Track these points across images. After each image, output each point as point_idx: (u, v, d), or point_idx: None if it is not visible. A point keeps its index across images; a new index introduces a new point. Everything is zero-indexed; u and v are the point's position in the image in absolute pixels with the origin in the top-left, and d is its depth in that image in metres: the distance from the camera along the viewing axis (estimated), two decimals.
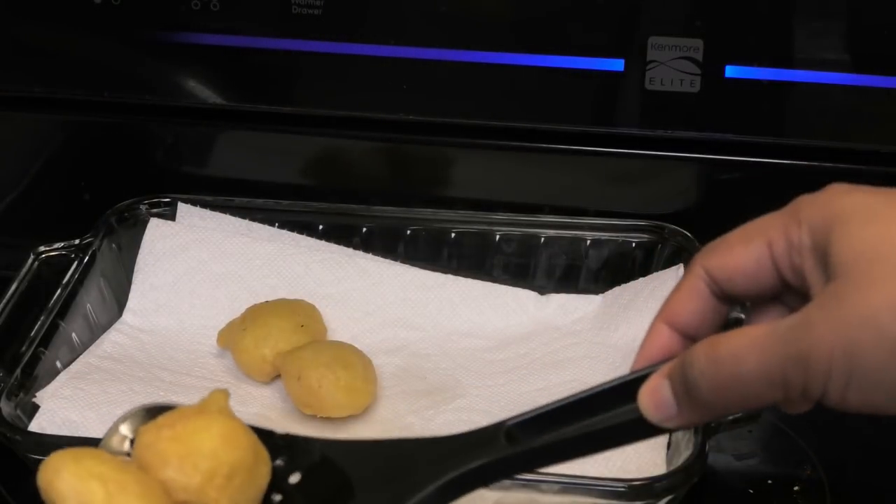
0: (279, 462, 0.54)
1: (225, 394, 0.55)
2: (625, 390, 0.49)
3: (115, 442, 0.55)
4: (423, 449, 0.53)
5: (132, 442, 0.54)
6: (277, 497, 0.53)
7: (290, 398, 0.76)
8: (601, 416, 0.49)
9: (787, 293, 0.50)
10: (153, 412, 0.55)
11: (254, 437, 0.53)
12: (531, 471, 0.54)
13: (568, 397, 0.50)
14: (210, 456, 0.51)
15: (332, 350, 0.77)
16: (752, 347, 0.46)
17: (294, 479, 0.54)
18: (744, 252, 0.49)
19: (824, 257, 0.46)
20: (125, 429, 0.56)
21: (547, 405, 0.50)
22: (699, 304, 0.51)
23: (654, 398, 0.49)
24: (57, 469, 0.49)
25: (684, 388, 0.47)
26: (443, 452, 0.51)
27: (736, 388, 0.46)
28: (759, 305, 0.51)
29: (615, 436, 0.50)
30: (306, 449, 0.55)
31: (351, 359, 0.76)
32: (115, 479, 0.49)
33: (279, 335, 0.78)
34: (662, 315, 0.52)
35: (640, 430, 0.49)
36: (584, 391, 0.49)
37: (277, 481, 0.54)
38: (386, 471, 0.52)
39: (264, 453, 0.54)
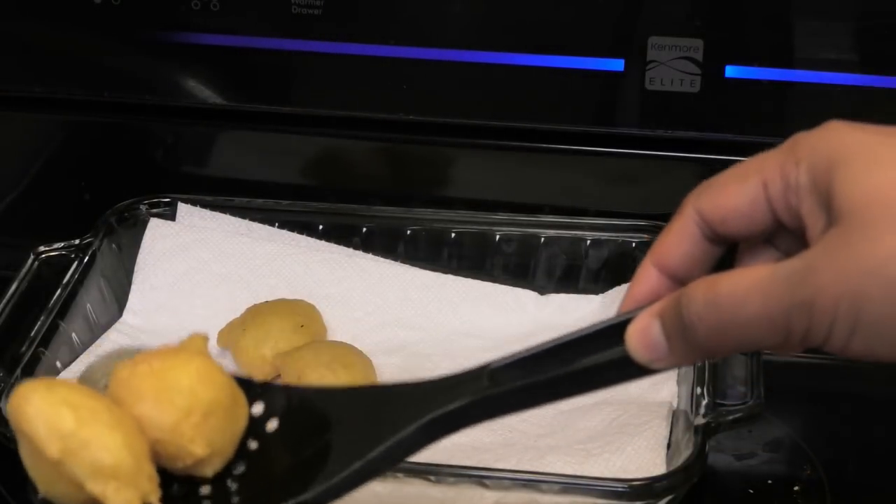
0: (256, 409, 0.52)
1: (204, 337, 0.53)
2: (612, 332, 0.48)
3: (90, 381, 0.53)
4: (403, 392, 0.51)
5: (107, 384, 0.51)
6: (254, 444, 0.52)
7: None
8: (587, 357, 0.48)
9: (780, 235, 0.48)
10: (130, 353, 0.53)
11: (231, 381, 0.51)
12: (514, 411, 0.51)
13: (553, 339, 0.49)
14: (187, 393, 0.49)
15: (332, 350, 0.77)
16: (754, 291, 0.44)
17: (271, 425, 0.52)
18: (738, 191, 0.47)
19: (826, 199, 0.44)
20: (100, 368, 0.54)
21: (531, 347, 0.49)
22: (689, 246, 0.49)
23: (643, 338, 0.47)
24: (26, 395, 0.47)
25: (678, 329, 0.46)
26: (424, 394, 0.50)
27: (735, 331, 0.44)
28: (749, 247, 0.50)
29: (600, 376, 0.48)
30: (284, 396, 0.53)
31: (351, 359, 0.76)
32: (87, 407, 0.47)
33: (279, 335, 0.78)
34: (651, 257, 0.50)
35: (625, 370, 0.47)
36: (570, 333, 0.48)
37: (254, 428, 0.52)
38: (365, 413, 0.51)
39: (242, 398, 0.52)
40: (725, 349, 0.46)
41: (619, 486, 0.63)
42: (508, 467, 0.67)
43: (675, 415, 0.71)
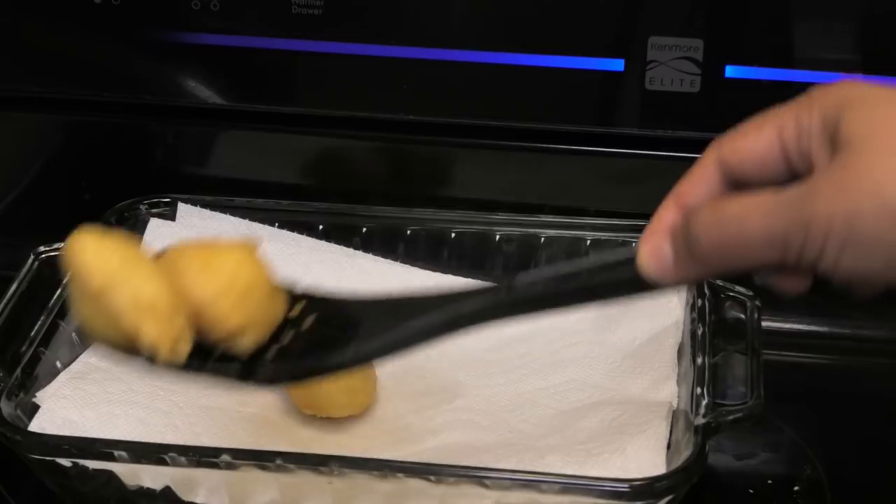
0: (295, 310, 0.59)
1: (256, 241, 0.59)
2: (626, 256, 0.53)
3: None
4: (429, 296, 0.58)
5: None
6: (288, 335, 0.58)
7: (291, 398, 0.76)
8: (602, 275, 0.54)
9: (793, 182, 0.50)
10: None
11: (271, 276, 0.57)
12: (525, 313, 0.57)
13: (571, 262, 0.57)
14: (228, 272, 0.55)
15: None
16: (757, 209, 0.48)
17: (307, 323, 0.59)
18: (755, 137, 0.52)
19: (833, 136, 0.48)
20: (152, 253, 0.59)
21: (549, 268, 0.56)
22: (708, 188, 0.53)
23: (653, 254, 0.52)
24: (80, 236, 0.54)
25: (685, 244, 0.51)
26: (448, 297, 0.57)
27: (737, 246, 0.49)
28: None
29: (613, 291, 0.54)
30: (322, 301, 0.60)
31: None
32: (132, 254, 0.54)
33: None
34: (673, 196, 0.54)
35: (636, 286, 0.52)
36: (588, 258, 0.56)
37: (291, 325, 0.58)
38: (393, 311, 0.58)
39: (281, 294, 0.58)
40: (727, 264, 0.50)
41: (619, 486, 0.63)
42: (508, 467, 0.67)
43: (675, 415, 0.71)
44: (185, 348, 0.54)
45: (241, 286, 0.56)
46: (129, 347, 0.54)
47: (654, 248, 0.52)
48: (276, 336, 0.58)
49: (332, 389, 0.73)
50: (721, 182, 0.53)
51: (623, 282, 0.53)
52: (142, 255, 0.55)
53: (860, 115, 0.48)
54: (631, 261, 0.53)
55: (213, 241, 0.58)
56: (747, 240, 0.49)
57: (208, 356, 0.57)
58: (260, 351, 0.58)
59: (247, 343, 0.57)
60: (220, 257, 0.57)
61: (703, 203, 0.52)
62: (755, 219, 0.48)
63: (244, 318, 0.56)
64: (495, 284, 0.58)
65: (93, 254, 0.53)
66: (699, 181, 0.54)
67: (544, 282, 0.56)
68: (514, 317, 0.57)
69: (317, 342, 0.58)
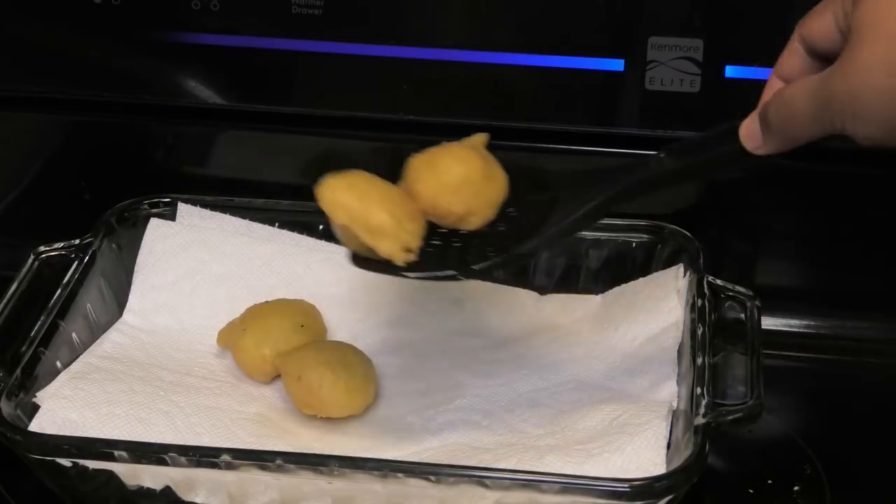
0: (523, 186, 0.71)
1: (483, 136, 0.73)
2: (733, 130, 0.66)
3: None
4: (610, 169, 0.70)
5: None
6: (511, 210, 0.71)
7: (291, 398, 0.76)
8: (719, 148, 0.66)
9: None
10: None
11: (487, 162, 0.71)
12: (674, 184, 0.70)
13: (692, 137, 0.69)
14: (444, 171, 0.70)
15: (332, 350, 0.77)
16: (800, 92, 0.61)
17: (531, 197, 0.71)
18: (819, 17, 0.62)
19: (848, 23, 0.59)
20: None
21: (680, 142, 0.69)
22: (798, 59, 0.64)
23: (747, 130, 0.64)
24: (327, 182, 0.68)
25: (764, 122, 0.63)
26: (624, 168, 0.70)
27: (793, 122, 0.61)
28: None
29: (729, 162, 0.67)
30: (538, 177, 0.72)
31: (351, 359, 0.76)
32: (365, 190, 0.69)
33: (279, 335, 0.78)
34: (775, 70, 0.65)
35: (743, 159, 0.65)
36: (705, 133, 0.67)
37: (515, 199, 0.71)
38: (584, 182, 0.70)
39: (498, 177, 0.71)
40: (793, 135, 0.62)
41: (619, 486, 0.63)
42: (508, 467, 0.67)
43: (675, 415, 0.71)
44: (414, 248, 0.69)
45: (455, 181, 0.70)
46: (377, 256, 0.69)
47: (749, 123, 0.64)
48: (503, 211, 0.71)
49: (333, 389, 0.73)
50: (805, 54, 0.64)
51: (733, 152, 0.65)
52: (370, 187, 0.69)
53: (864, 5, 0.58)
54: (735, 134, 0.65)
55: (443, 145, 0.72)
56: (798, 117, 0.61)
57: (446, 246, 0.71)
58: (491, 225, 0.71)
59: (476, 223, 0.71)
60: (437, 161, 0.71)
61: (794, 74, 0.64)
62: (799, 100, 0.61)
63: (464, 207, 0.70)
64: (651, 158, 0.69)
65: (333, 195, 0.68)
66: (791, 55, 0.64)
67: (679, 153, 0.68)
68: (668, 186, 0.70)
69: (530, 218, 0.70)
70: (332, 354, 0.76)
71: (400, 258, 0.68)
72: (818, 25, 0.62)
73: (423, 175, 0.70)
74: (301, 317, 0.80)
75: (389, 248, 0.68)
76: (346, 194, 0.69)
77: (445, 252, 0.70)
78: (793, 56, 0.64)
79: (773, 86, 0.65)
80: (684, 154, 0.68)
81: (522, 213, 0.71)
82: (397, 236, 0.68)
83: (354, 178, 0.70)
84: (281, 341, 0.78)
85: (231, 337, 0.79)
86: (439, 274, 0.69)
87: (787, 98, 0.62)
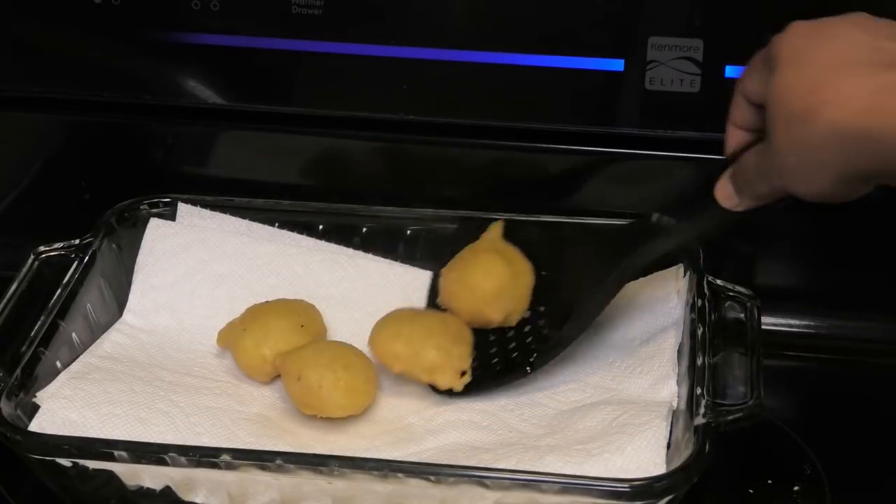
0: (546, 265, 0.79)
1: (498, 227, 0.82)
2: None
3: None
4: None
5: None
6: (542, 308, 0.78)
7: (290, 398, 0.76)
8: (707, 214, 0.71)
9: None
10: None
11: (512, 262, 0.79)
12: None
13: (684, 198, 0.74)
14: (478, 287, 0.78)
15: (332, 350, 0.77)
16: (749, 162, 0.66)
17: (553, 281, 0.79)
18: (750, 78, 0.66)
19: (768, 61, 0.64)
20: None
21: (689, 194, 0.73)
22: (744, 111, 0.68)
23: (723, 192, 0.69)
24: (377, 335, 0.78)
25: (735, 185, 0.68)
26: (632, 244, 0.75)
27: (753, 185, 0.66)
28: None
29: (719, 224, 0.70)
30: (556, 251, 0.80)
31: (351, 359, 0.76)
32: (410, 334, 0.76)
33: (279, 335, 0.78)
34: (730, 119, 0.69)
35: (732, 215, 0.69)
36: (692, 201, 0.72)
37: (543, 290, 0.79)
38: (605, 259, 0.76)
39: (524, 269, 0.79)
40: (762, 195, 0.67)
41: (619, 486, 0.63)
42: (508, 467, 0.67)
43: (675, 415, 0.71)
44: (467, 368, 0.77)
45: (489, 295, 0.78)
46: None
47: (722, 187, 0.69)
48: (534, 304, 0.79)
49: (332, 389, 0.73)
50: (750, 106, 0.67)
51: (719, 214, 0.69)
52: (417, 322, 0.78)
53: (774, 82, 0.62)
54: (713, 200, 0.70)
55: (467, 255, 0.80)
56: (755, 181, 0.66)
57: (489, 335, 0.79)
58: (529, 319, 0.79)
59: (516, 319, 0.79)
60: (469, 276, 0.79)
61: (747, 123, 0.68)
62: (751, 168, 0.66)
63: (503, 314, 0.78)
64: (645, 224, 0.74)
65: (384, 348, 0.77)
66: (737, 107, 0.68)
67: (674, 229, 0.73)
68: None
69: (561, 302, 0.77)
70: (331, 354, 0.76)
71: (458, 385, 0.76)
72: (750, 86, 0.66)
73: (458, 294, 0.79)
74: (301, 317, 0.80)
75: (447, 382, 0.76)
76: (394, 344, 0.76)
77: (500, 362, 0.78)
78: (739, 108, 0.68)
79: (732, 134, 0.69)
80: (682, 230, 0.73)
81: (555, 300, 0.78)
82: (450, 366, 0.76)
83: (398, 322, 0.77)
84: (281, 341, 0.77)
85: (231, 337, 0.79)
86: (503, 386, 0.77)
87: (743, 166, 0.67)
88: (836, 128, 0.59)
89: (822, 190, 0.62)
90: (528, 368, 0.76)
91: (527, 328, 0.79)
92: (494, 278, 0.78)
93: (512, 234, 0.81)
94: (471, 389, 0.76)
